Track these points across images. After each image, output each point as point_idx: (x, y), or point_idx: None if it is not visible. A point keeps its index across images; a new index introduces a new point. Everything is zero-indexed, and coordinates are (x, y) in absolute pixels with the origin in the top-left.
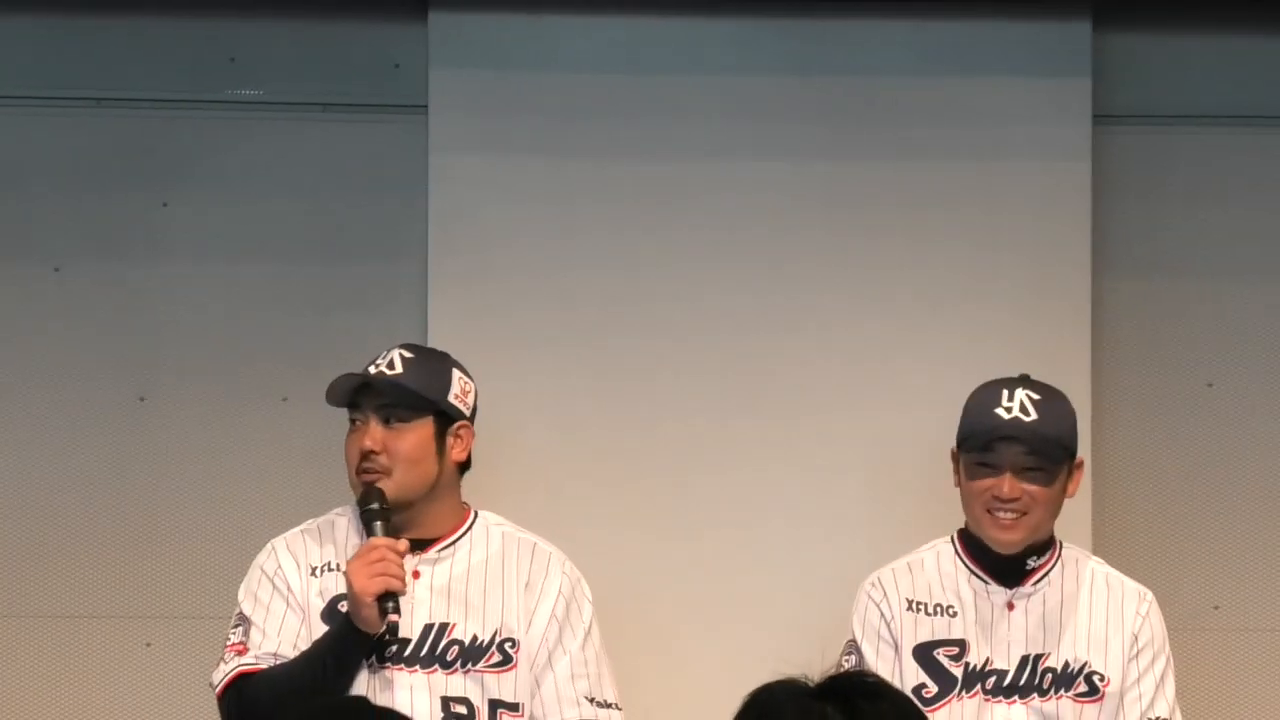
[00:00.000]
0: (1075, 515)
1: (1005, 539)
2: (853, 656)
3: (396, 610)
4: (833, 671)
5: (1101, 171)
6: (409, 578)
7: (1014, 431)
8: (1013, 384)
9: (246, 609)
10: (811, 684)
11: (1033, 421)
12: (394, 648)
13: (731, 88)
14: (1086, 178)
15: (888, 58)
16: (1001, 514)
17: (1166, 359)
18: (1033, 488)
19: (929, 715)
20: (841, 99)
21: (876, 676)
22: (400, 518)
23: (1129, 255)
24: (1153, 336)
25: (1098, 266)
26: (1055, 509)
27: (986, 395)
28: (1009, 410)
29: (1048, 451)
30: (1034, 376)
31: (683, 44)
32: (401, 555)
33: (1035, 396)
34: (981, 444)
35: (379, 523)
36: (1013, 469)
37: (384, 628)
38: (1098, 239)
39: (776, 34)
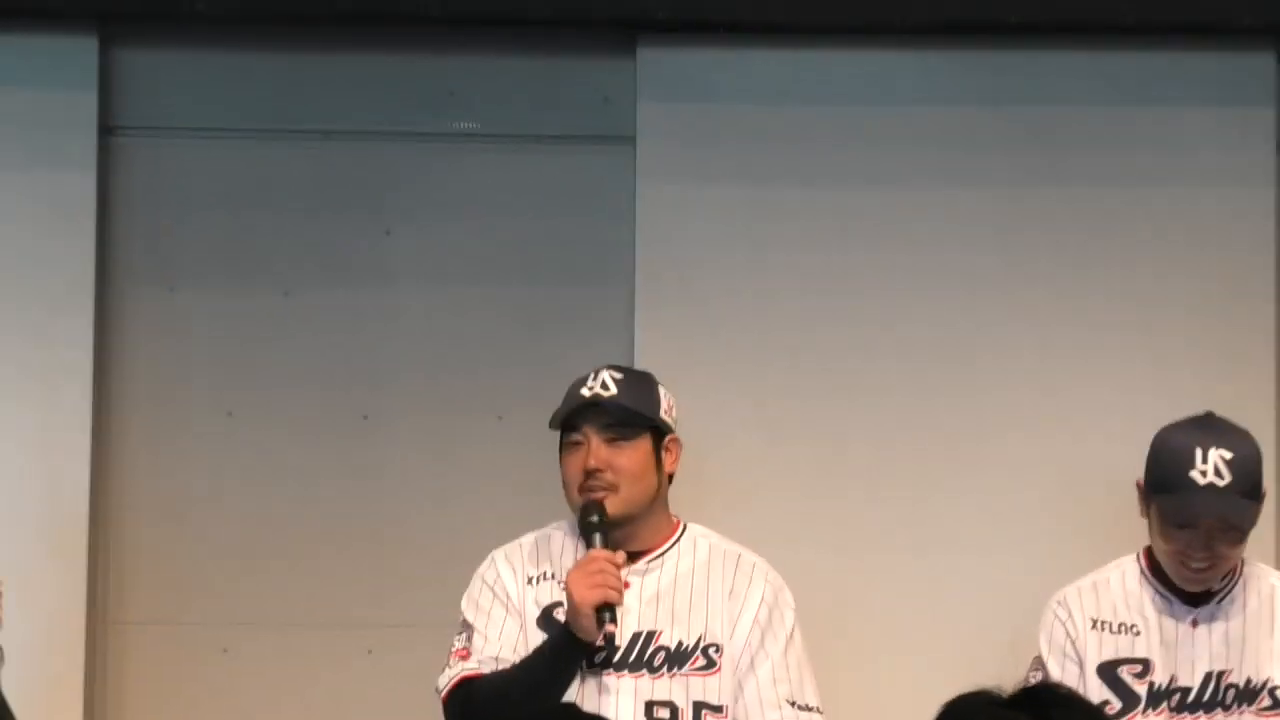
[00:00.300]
0: (1259, 532)
1: (1195, 586)
2: (1039, 673)
3: (613, 620)
4: (1023, 685)
5: None
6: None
7: (1211, 503)
8: (1205, 439)
9: (469, 616)
10: (1004, 695)
11: (1226, 486)
12: (603, 654)
13: (919, 117)
14: (1271, 204)
15: (1070, 87)
16: (1195, 564)
17: None
18: (1229, 550)
19: None
20: (1025, 127)
21: (1068, 689)
22: (621, 532)
23: None
24: None
25: None
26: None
27: (1180, 448)
28: (1204, 474)
29: (1241, 516)
30: (1218, 409)
31: (873, 75)
32: (619, 568)
33: (1228, 455)
34: (1175, 508)
35: (598, 535)
36: (1209, 533)
37: (600, 636)
38: None
39: (963, 65)
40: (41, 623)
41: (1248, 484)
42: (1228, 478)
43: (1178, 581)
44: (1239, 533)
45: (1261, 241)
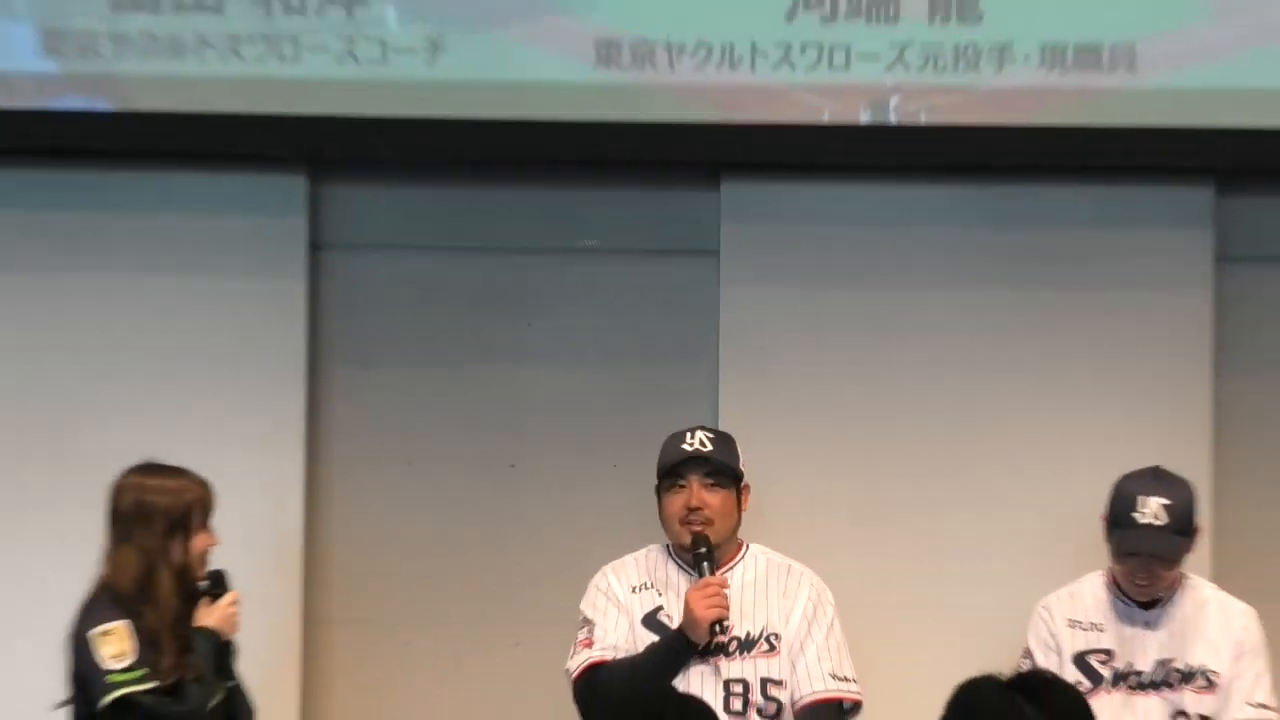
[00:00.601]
0: (1198, 554)
1: (1143, 597)
2: (1027, 661)
3: (723, 632)
4: (1028, 669)
5: (1224, 299)
6: None
7: (1147, 539)
8: (1149, 487)
9: (589, 614)
10: (1004, 678)
11: (1162, 526)
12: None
13: (936, 234)
14: (1209, 303)
15: (1052, 213)
16: (1138, 582)
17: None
18: (1164, 572)
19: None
20: (1017, 244)
21: (1052, 673)
22: (713, 556)
23: (1247, 360)
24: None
25: (1217, 370)
26: (1180, 570)
27: (1129, 493)
28: (1144, 516)
29: (1172, 550)
30: (1164, 463)
31: (903, 202)
32: (725, 589)
33: (1166, 502)
34: (1121, 541)
35: (706, 563)
36: (1147, 561)
37: (710, 643)
38: (1218, 352)
39: (969, 196)
40: (266, 623)
41: (1180, 525)
42: (1164, 520)
43: (1130, 593)
44: (1170, 562)
45: (1202, 335)
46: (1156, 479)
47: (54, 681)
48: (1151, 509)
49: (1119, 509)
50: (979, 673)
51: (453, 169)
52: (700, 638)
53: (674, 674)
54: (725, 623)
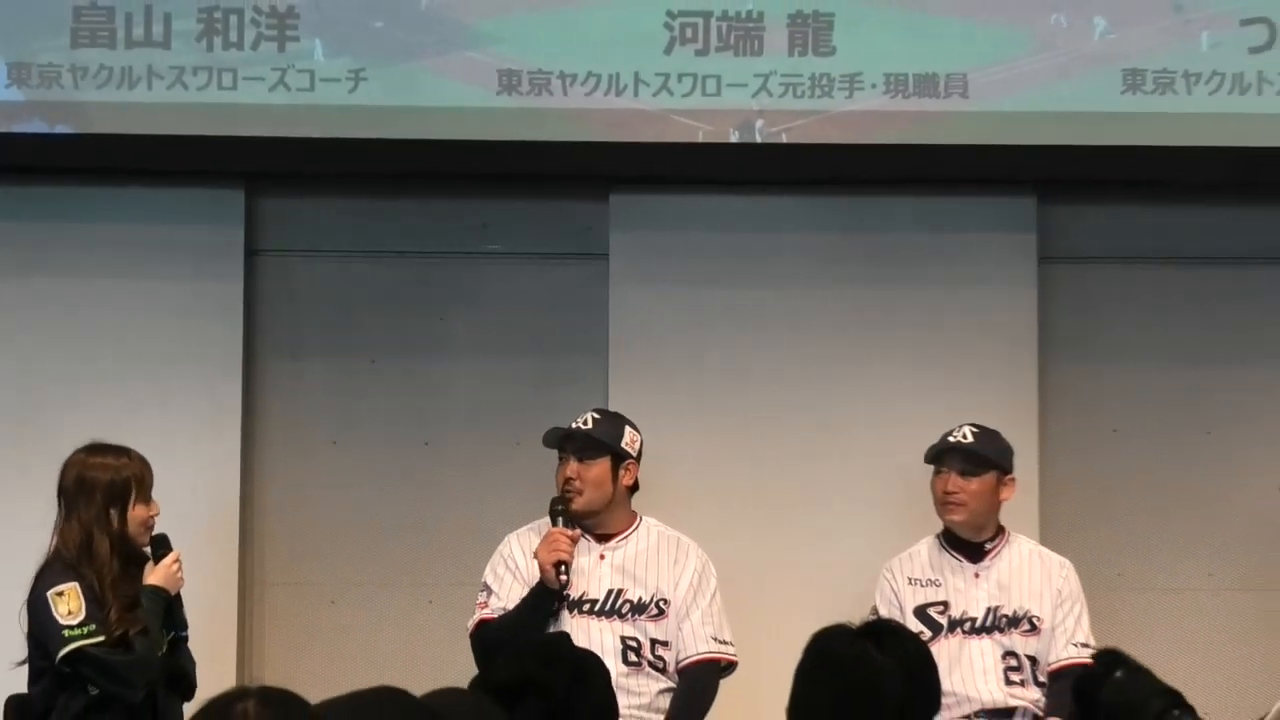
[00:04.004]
0: (1024, 515)
1: (953, 516)
2: (874, 617)
3: (566, 573)
4: (875, 618)
5: (1046, 294)
6: (597, 558)
7: (953, 452)
8: (964, 424)
9: (490, 581)
10: (854, 628)
11: (969, 444)
12: (588, 605)
13: (801, 240)
14: (1034, 299)
15: (897, 220)
16: (948, 494)
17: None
18: (965, 484)
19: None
20: (868, 248)
21: (897, 623)
22: (591, 520)
23: (1072, 343)
24: (1089, 403)
25: (1041, 354)
26: (989, 504)
27: (947, 433)
28: (952, 436)
29: (974, 462)
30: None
31: (771, 212)
32: (572, 540)
33: (974, 429)
34: (934, 453)
35: (560, 519)
36: (949, 474)
37: (561, 585)
38: (1042, 339)
39: (829, 205)
40: (207, 585)
41: (984, 448)
42: (970, 439)
43: (942, 514)
44: (969, 473)
45: (1028, 324)
46: (973, 424)
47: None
48: (960, 431)
49: (929, 450)
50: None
51: (374, 183)
52: (550, 582)
53: (540, 619)
54: (566, 565)
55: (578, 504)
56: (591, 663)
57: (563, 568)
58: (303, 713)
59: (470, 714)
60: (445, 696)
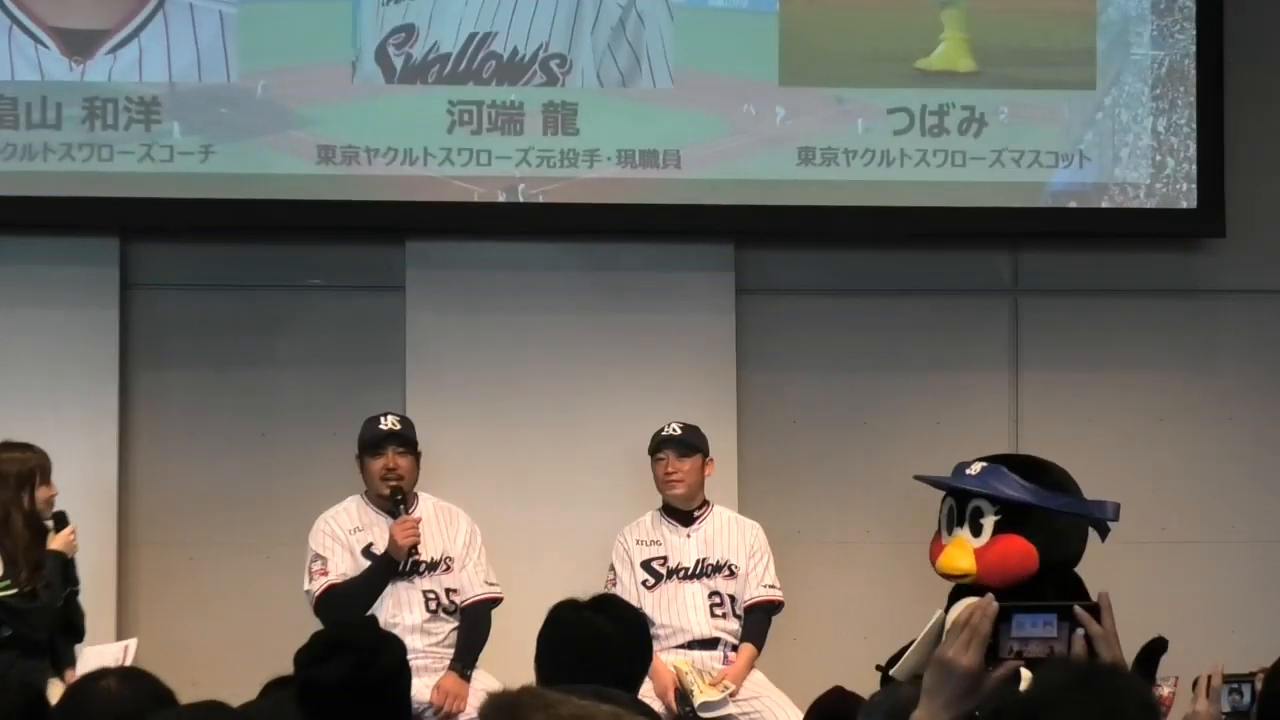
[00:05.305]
0: (723, 489)
1: (674, 491)
2: (611, 573)
3: (417, 552)
4: (598, 593)
5: (742, 318)
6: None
7: (669, 440)
8: (672, 422)
9: (320, 550)
10: (582, 601)
11: (680, 434)
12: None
13: (556, 278)
14: (732, 324)
15: (623, 262)
16: (669, 474)
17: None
18: (679, 463)
19: (649, 594)
20: (608, 284)
21: (617, 595)
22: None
23: (762, 355)
24: (775, 401)
25: (739, 366)
26: (699, 480)
27: (658, 429)
28: (665, 430)
29: (686, 447)
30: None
31: (532, 255)
32: (418, 524)
33: (681, 425)
34: (654, 445)
35: (402, 506)
36: (668, 457)
37: (407, 563)
38: (740, 354)
39: (578, 250)
40: (92, 547)
41: (691, 438)
42: (680, 431)
43: (666, 491)
44: (683, 454)
45: (727, 342)
46: (680, 421)
47: None
48: (671, 427)
49: (650, 442)
50: (568, 595)
51: (221, 233)
52: (400, 557)
53: (385, 584)
54: (418, 547)
55: (404, 488)
56: (393, 640)
57: (414, 549)
58: (156, 687)
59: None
60: (263, 713)
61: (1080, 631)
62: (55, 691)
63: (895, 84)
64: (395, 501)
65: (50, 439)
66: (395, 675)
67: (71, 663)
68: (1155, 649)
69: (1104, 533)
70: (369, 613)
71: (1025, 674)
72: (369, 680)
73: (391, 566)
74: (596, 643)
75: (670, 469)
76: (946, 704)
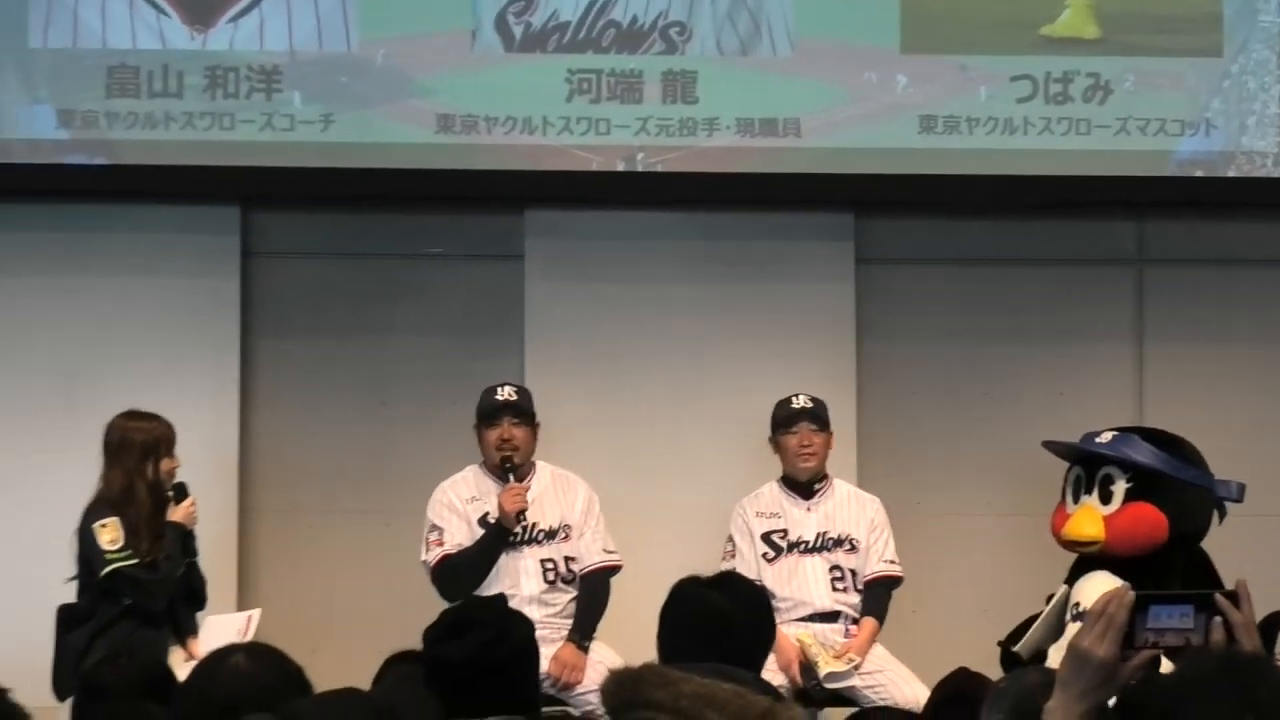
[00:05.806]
0: (842, 462)
1: (807, 465)
2: (730, 544)
3: (523, 519)
4: (721, 570)
5: (861, 288)
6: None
7: (801, 413)
8: (799, 393)
9: (436, 521)
10: (703, 579)
11: (810, 406)
12: (513, 537)
13: (673, 247)
14: (851, 295)
15: (742, 232)
16: (803, 448)
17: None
18: (815, 437)
19: (769, 567)
20: (727, 253)
21: (737, 573)
22: (518, 471)
23: (881, 326)
24: (894, 374)
25: (859, 337)
26: (826, 454)
27: (781, 402)
28: (795, 402)
29: (819, 420)
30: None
31: (650, 224)
32: (525, 491)
33: (810, 398)
34: (785, 420)
35: (513, 474)
36: (803, 430)
37: (518, 529)
38: (859, 325)
39: (696, 219)
40: (213, 516)
41: (820, 410)
42: (810, 404)
43: (797, 466)
44: (818, 429)
45: (848, 312)
46: (805, 393)
47: (63, 566)
48: (800, 399)
49: (778, 413)
50: (690, 571)
51: (340, 202)
52: (510, 524)
53: (499, 553)
54: (525, 512)
55: (516, 459)
56: (520, 617)
57: (521, 515)
58: (284, 664)
59: (412, 705)
60: (393, 693)
61: (1218, 619)
62: (177, 659)
63: (1019, 51)
64: (505, 471)
65: (171, 408)
66: (523, 653)
67: (194, 631)
68: (1275, 622)
69: (1224, 513)
70: (493, 591)
71: (1166, 663)
72: (497, 658)
73: (503, 534)
74: (718, 620)
75: (806, 442)
76: (1081, 694)
